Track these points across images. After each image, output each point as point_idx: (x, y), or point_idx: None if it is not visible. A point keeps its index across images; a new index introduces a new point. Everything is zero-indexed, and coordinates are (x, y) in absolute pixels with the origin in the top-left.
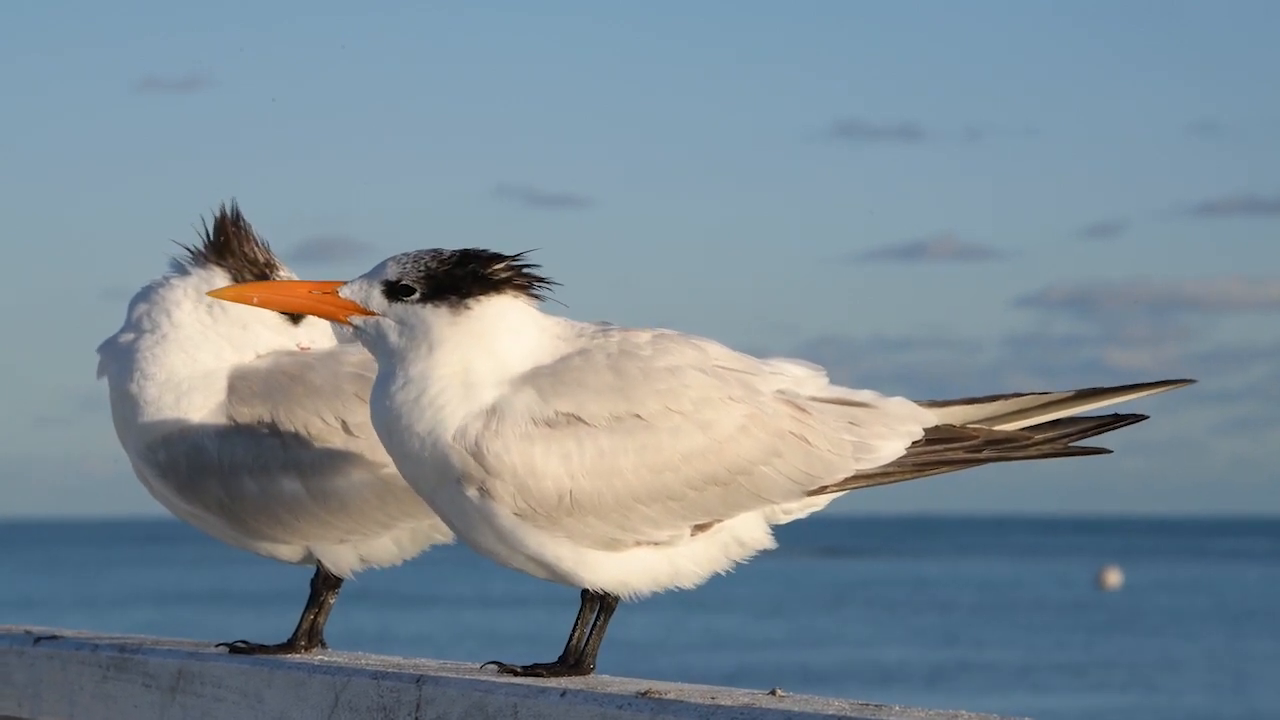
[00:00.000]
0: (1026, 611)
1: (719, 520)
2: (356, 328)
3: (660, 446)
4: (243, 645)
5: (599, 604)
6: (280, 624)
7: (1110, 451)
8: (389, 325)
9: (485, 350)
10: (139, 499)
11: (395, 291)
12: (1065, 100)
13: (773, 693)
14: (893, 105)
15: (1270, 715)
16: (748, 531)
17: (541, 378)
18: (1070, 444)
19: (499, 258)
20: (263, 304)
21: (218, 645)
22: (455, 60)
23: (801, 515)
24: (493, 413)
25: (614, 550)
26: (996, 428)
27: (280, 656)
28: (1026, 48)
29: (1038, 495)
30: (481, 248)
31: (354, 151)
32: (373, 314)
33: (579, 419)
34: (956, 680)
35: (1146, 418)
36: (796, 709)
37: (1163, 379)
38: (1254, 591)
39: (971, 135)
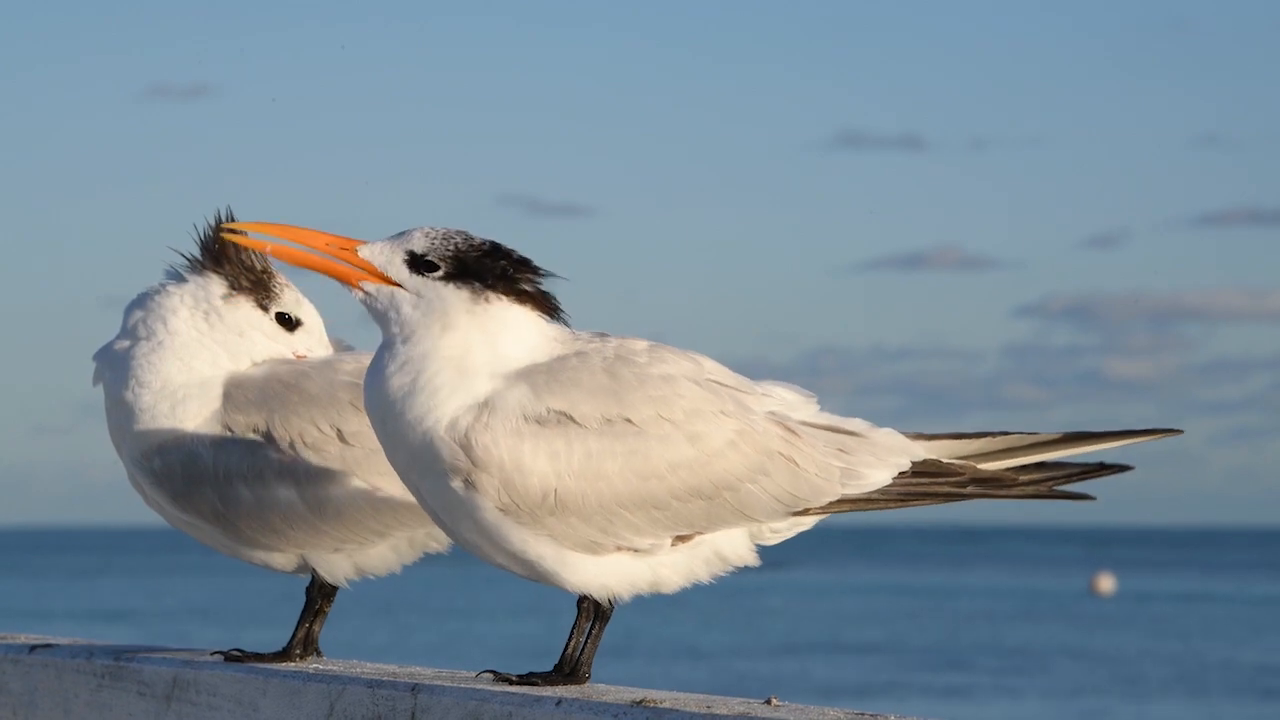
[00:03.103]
0: (1018, 619)
1: (701, 533)
2: (368, 294)
3: (648, 453)
4: (238, 653)
5: (595, 613)
6: (276, 633)
7: (1094, 499)
8: (405, 297)
9: (489, 344)
10: (137, 507)
11: (418, 264)
12: (1068, 111)
13: (768, 701)
14: (896, 115)
15: None
16: (731, 547)
17: (536, 375)
18: (1055, 488)
19: (528, 264)
20: (276, 253)
21: (213, 653)
22: (458, 69)
23: (789, 535)
24: (485, 406)
25: (595, 553)
26: (983, 465)
27: (275, 665)
28: (1030, 59)
29: (1033, 505)
30: (511, 247)
31: (357, 160)
32: (390, 282)
33: (570, 418)
34: (952, 687)
35: (1131, 468)
36: (792, 718)
37: (1150, 427)
38: (1250, 601)
39: (975, 146)
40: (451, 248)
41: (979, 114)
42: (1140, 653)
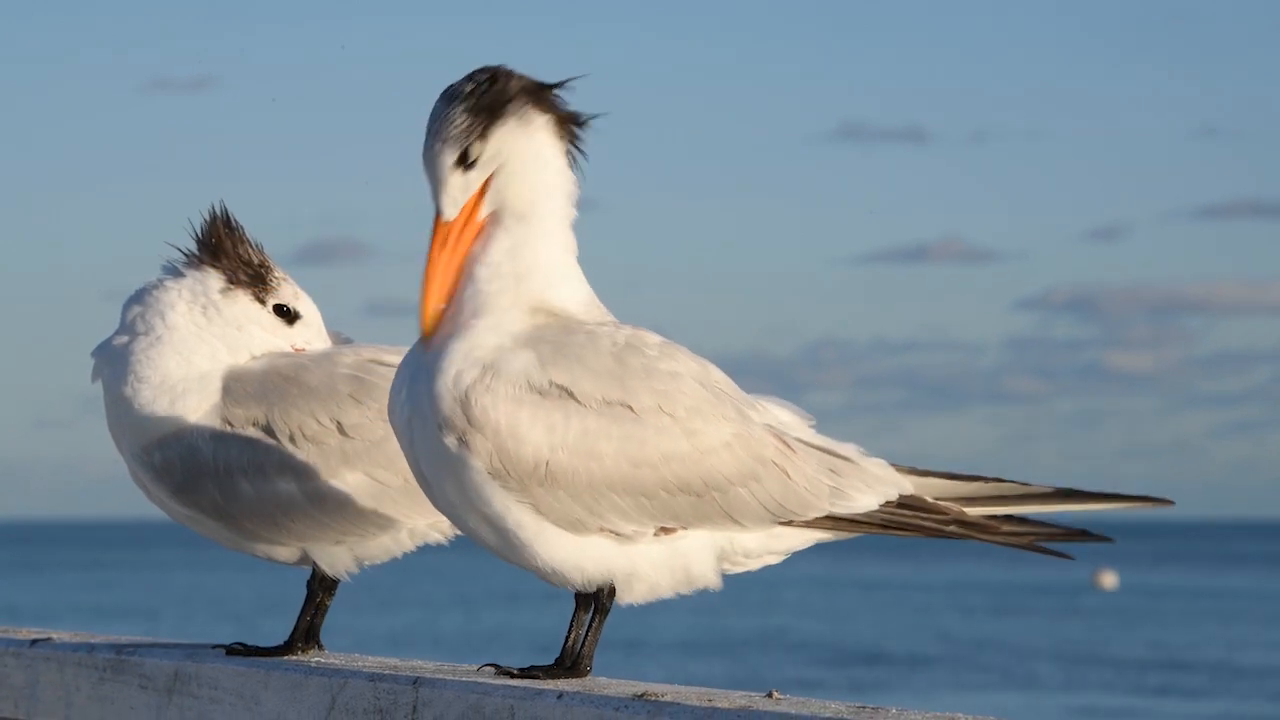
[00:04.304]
0: (1021, 613)
1: (685, 527)
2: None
3: (643, 440)
4: (239, 647)
5: (594, 605)
6: (277, 626)
7: (1073, 558)
8: (492, 190)
9: (541, 228)
10: (138, 501)
11: (465, 161)
12: (1069, 104)
13: (769, 695)
14: (898, 108)
15: (1262, 717)
16: (698, 567)
17: (544, 344)
18: (1036, 543)
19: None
20: (439, 293)
21: (214, 647)
22: (459, 65)
23: (754, 567)
24: (490, 367)
25: (576, 532)
26: (970, 509)
27: (277, 658)
28: (1031, 52)
29: None
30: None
31: (358, 153)
32: (479, 196)
33: (570, 394)
34: (953, 681)
35: (1113, 541)
36: (793, 711)
37: (1143, 495)
38: (1250, 594)
39: (976, 138)
40: (460, 122)
41: (980, 107)
42: (1144, 648)
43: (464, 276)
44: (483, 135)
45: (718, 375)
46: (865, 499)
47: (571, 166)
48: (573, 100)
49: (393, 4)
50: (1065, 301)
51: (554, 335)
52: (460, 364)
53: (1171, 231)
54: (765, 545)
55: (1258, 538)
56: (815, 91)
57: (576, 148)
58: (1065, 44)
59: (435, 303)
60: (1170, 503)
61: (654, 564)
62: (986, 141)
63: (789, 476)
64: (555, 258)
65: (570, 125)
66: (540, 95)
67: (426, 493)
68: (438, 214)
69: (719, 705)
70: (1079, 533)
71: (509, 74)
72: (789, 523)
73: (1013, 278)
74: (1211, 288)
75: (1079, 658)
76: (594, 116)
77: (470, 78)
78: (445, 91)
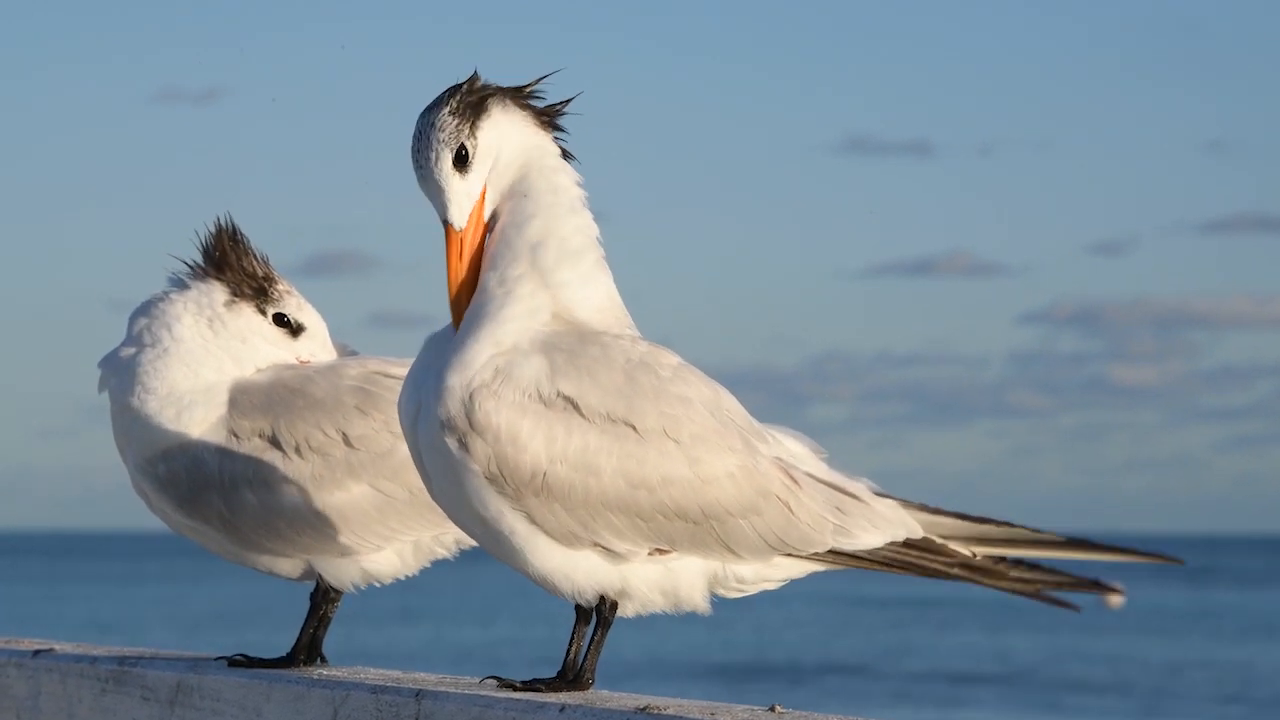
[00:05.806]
0: (1025, 630)
1: (681, 551)
2: (491, 229)
3: (644, 461)
4: (242, 659)
5: (595, 618)
6: (280, 638)
7: (1079, 609)
8: (491, 189)
9: (548, 200)
10: (141, 512)
11: (463, 161)
12: (1076, 117)
13: (772, 709)
14: (904, 120)
15: None
16: (688, 591)
17: (558, 351)
18: (1043, 591)
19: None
20: (456, 296)
21: (217, 658)
22: (466, 71)
23: (750, 592)
24: (500, 371)
25: (569, 545)
26: (979, 550)
27: (279, 670)
28: (1038, 65)
29: (1040, 514)
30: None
31: (364, 164)
32: (481, 201)
33: (575, 407)
34: (957, 698)
35: (1122, 592)
36: None
37: (1155, 552)
38: (1257, 611)
39: (983, 152)
40: (447, 126)
41: (987, 120)
42: (1153, 666)
43: (485, 261)
44: (472, 131)
45: (730, 403)
46: (870, 537)
47: (564, 156)
48: (569, 114)
49: (397, 6)
50: (1069, 315)
51: (569, 343)
52: (476, 363)
53: (1177, 245)
54: (761, 574)
55: (1260, 553)
56: (820, 104)
57: (558, 136)
58: (1072, 58)
59: (462, 308)
60: (1180, 561)
61: (646, 583)
62: (993, 155)
63: (791, 511)
64: (570, 224)
65: (549, 116)
66: (517, 93)
67: (426, 484)
68: (448, 225)
69: (721, 719)
70: (1089, 582)
71: (483, 81)
72: (789, 554)
73: (1017, 291)
74: (1216, 302)
75: (1085, 676)
76: (568, 100)
77: (447, 89)
78: (424, 109)
